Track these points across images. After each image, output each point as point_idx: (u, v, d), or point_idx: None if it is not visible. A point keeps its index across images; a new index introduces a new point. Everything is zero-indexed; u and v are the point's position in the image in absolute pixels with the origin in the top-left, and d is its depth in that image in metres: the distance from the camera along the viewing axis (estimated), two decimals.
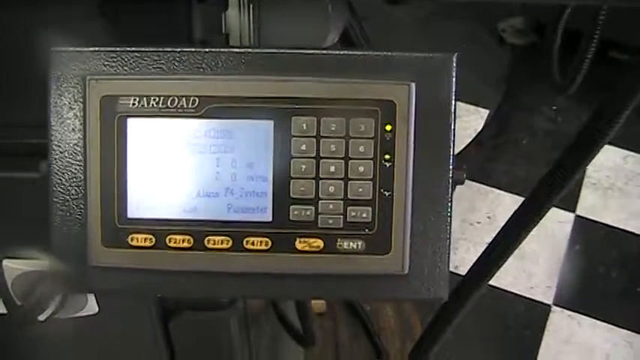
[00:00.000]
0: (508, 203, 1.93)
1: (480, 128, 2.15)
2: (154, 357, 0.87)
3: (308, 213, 0.53)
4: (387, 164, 0.53)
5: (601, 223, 2.02)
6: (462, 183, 0.55)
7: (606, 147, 1.80)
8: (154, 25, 0.62)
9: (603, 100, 0.53)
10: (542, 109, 2.05)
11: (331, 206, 0.53)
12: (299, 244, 0.54)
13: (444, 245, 0.54)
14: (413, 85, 0.52)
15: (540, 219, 0.61)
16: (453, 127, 0.53)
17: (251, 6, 0.64)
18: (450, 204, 0.54)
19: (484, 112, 2.22)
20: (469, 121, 2.22)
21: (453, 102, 0.53)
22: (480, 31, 2.36)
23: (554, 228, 2.00)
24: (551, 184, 0.59)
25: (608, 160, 2.12)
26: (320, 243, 0.54)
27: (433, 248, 0.54)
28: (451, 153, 0.54)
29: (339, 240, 0.54)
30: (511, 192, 1.97)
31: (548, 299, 1.88)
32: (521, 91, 2.12)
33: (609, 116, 0.52)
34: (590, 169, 2.11)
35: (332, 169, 0.53)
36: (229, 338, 0.88)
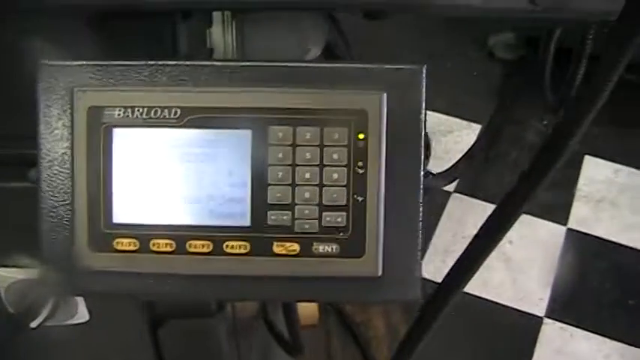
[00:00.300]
0: None
1: (472, 143, 2.17)
2: None
3: (285, 218, 0.56)
4: (360, 171, 0.55)
5: (592, 236, 2.04)
6: (432, 189, 0.57)
7: (597, 160, 1.82)
8: (142, 41, 0.65)
9: (566, 109, 0.55)
10: (533, 122, 2.08)
11: (307, 211, 0.55)
12: (276, 248, 0.56)
13: (415, 248, 0.57)
14: (384, 95, 0.55)
15: (511, 225, 0.63)
16: (423, 135, 0.56)
17: (234, 23, 0.66)
18: (421, 209, 0.56)
19: (476, 127, 2.25)
20: (461, 136, 2.25)
21: (423, 111, 0.56)
22: (471, 47, 2.39)
23: (546, 241, 2.02)
24: (522, 191, 0.61)
25: (599, 173, 2.15)
26: (296, 247, 0.56)
27: (406, 251, 0.56)
28: (421, 160, 0.56)
29: (314, 244, 0.56)
30: None
31: (540, 311, 1.90)
32: (511, 106, 2.15)
33: (571, 125, 0.55)
34: (582, 182, 2.13)
35: (307, 175, 0.55)
36: (218, 346, 0.90)
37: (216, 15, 0.66)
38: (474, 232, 0.67)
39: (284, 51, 0.68)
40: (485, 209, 1.99)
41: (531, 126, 2.08)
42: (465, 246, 0.67)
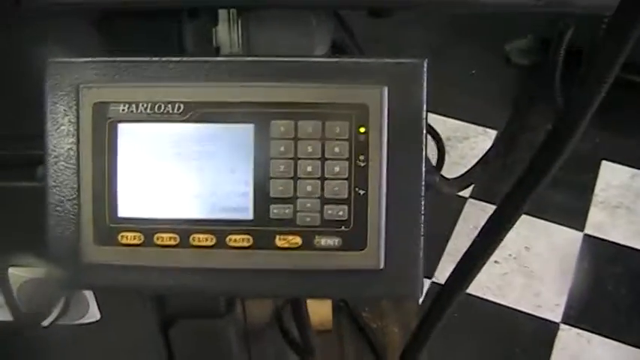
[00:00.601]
0: None
1: (487, 148, 2.17)
2: None
3: (287, 211, 0.56)
4: (362, 164, 0.55)
5: (609, 241, 2.02)
6: (434, 184, 0.57)
7: (614, 165, 1.82)
8: (147, 41, 0.66)
9: (565, 108, 0.55)
10: (548, 128, 2.07)
11: (309, 204, 0.56)
12: (278, 241, 0.56)
13: (417, 242, 0.57)
14: (385, 89, 0.55)
15: (512, 225, 0.63)
16: (424, 130, 0.56)
17: (240, 21, 0.67)
18: (422, 203, 0.56)
19: (492, 133, 2.24)
20: (477, 142, 2.24)
21: (425, 105, 0.56)
22: (487, 52, 2.40)
23: (563, 246, 2.01)
24: (521, 191, 0.61)
25: (615, 178, 2.13)
26: (298, 240, 0.56)
27: (407, 245, 0.57)
28: (423, 154, 0.56)
29: (316, 237, 0.56)
30: None
31: (557, 317, 1.88)
32: (527, 111, 2.14)
33: (569, 125, 0.55)
34: (598, 187, 2.12)
35: (309, 169, 0.56)
36: (228, 348, 0.90)
37: (222, 13, 0.66)
38: None
39: (290, 49, 0.69)
40: None
41: (546, 131, 2.08)
42: None
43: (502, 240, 0.65)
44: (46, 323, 0.84)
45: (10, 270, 0.82)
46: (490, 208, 2.08)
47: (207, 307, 0.85)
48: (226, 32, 0.67)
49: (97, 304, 0.85)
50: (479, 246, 0.66)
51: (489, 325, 1.87)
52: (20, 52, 0.66)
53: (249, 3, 0.64)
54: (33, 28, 0.65)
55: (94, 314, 0.86)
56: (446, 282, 0.69)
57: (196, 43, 0.67)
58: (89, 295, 0.84)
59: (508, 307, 1.90)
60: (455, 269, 0.68)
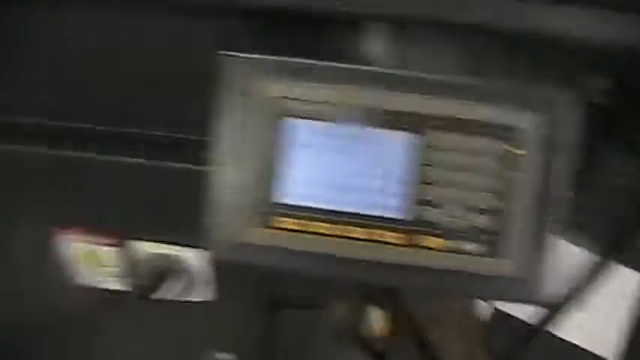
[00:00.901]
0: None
1: None
2: (256, 348, 0.94)
3: (436, 215, 0.61)
4: (509, 180, 0.60)
5: None
6: (572, 203, 0.62)
7: None
8: (295, 43, 0.71)
9: None
10: (620, 168, 2.07)
11: (457, 212, 0.60)
12: (425, 242, 0.61)
13: (553, 256, 0.61)
14: (540, 115, 0.60)
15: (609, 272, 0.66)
16: (572, 156, 0.60)
17: (386, 36, 0.71)
18: (559, 222, 0.61)
19: None
20: None
21: (574, 135, 0.60)
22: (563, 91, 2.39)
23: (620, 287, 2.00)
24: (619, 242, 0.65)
25: None
26: (444, 243, 0.61)
27: (544, 257, 0.61)
28: (567, 178, 0.61)
29: (462, 242, 0.61)
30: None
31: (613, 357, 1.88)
32: (599, 150, 2.15)
33: None
34: None
35: (461, 179, 0.60)
36: (326, 341, 0.94)
37: (373, 26, 0.71)
38: None
39: (431, 68, 0.73)
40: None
41: (620, 171, 2.08)
42: None
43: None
44: (157, 297, 0.88)
45: (136, 243, 0.87)
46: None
47: (313, 298, 0.90)
48: (374, 45, 0.72)
49: (211, 285, 0.89)
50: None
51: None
52: (186, 46, 0.71)
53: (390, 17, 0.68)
54: (192, 24, 0.70)
55: (209, 293, 0.90)
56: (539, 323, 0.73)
57: (344, 51, 0.71)
58: (204, 274, 0.88)
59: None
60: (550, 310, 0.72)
